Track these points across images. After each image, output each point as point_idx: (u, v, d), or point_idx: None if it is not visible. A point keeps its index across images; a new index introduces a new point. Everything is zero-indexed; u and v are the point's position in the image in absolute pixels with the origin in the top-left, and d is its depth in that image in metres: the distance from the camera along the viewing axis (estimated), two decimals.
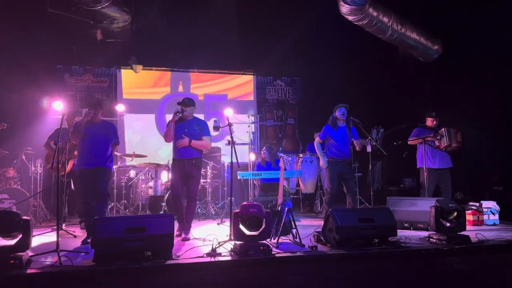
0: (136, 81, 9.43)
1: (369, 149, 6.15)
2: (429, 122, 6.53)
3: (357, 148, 6.05)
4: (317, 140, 6.07)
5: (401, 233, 4.60)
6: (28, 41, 7.49)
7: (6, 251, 3.33)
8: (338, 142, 5.83)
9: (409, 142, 6.54)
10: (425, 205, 4.91)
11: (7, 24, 7.00)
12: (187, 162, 5.02)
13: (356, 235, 4.06)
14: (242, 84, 10.17)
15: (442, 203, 4.45)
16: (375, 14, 7.53)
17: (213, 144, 7.08)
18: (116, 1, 7.11)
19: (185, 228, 4.97)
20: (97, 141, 4.89)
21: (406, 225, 5.37)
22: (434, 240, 4.30)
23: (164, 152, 8.77)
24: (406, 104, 8.91)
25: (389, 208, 4.61)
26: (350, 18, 7.57)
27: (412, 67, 9.36)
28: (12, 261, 3.25)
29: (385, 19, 7.74)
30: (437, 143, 6.30)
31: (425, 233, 4.76)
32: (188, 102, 5.11)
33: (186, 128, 5.07)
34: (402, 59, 9.29)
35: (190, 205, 5.13)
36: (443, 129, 6.26)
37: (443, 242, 4.19)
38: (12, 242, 3.38)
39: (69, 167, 5.89)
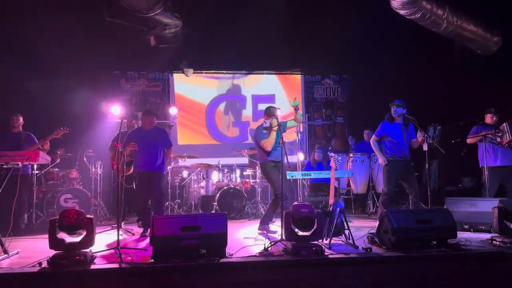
0: (187, 84, 9.70)
1: (425, 147, 5.89)
2: (489, 118, 6.18)
3: (414, 146, 5.77)
4: (373, 138, 5.74)
5: (461, 235, 4.38)
6: (88, 49, 7.94)
7: (73, 247, 3.55)
8: (398, 139, 5.52)
9: (468, 141, 6.24)
10: (487, 206, 4.67)
11: (70, 35, 7.47)
12: (281, 165, 5.31)
13: (413, 237, 3.93)
14: (289, 84, 10.15)
15: (506, 203, 4.23)
16: (428, 6, 7.21)
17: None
18: (168, 7, 7.35)
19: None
20: (147, 146, 5.45)
21: (466, 226, 5.15)
22: (498, 243, 4.10)
23: (209, 154, 8.94)
24: (464, 99, 8.47)
25: (448, 209, 4.42)
26: (401, 12, 7.31)
27: (470, 60, 8.88)
28: (78, 257, 3.47)
29: (440, 12, 7.39)
30: (498, 139, 5.94)
31: (487, 236, 4.55)
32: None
33: None
34: (459, 52, 8.84)
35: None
36: (504, 124, 5.89)
37: (508, 245, 3.98)
38: (77, 239, 3.59)
39: (132, 168, 6.17)
